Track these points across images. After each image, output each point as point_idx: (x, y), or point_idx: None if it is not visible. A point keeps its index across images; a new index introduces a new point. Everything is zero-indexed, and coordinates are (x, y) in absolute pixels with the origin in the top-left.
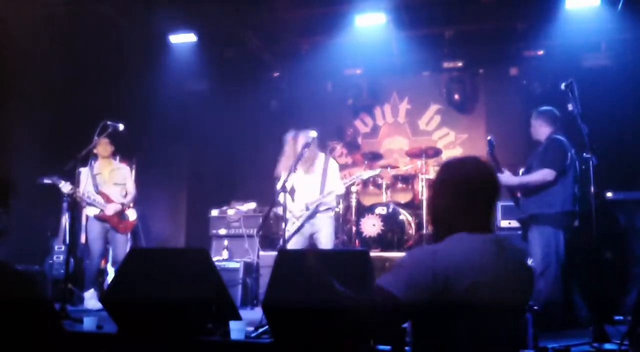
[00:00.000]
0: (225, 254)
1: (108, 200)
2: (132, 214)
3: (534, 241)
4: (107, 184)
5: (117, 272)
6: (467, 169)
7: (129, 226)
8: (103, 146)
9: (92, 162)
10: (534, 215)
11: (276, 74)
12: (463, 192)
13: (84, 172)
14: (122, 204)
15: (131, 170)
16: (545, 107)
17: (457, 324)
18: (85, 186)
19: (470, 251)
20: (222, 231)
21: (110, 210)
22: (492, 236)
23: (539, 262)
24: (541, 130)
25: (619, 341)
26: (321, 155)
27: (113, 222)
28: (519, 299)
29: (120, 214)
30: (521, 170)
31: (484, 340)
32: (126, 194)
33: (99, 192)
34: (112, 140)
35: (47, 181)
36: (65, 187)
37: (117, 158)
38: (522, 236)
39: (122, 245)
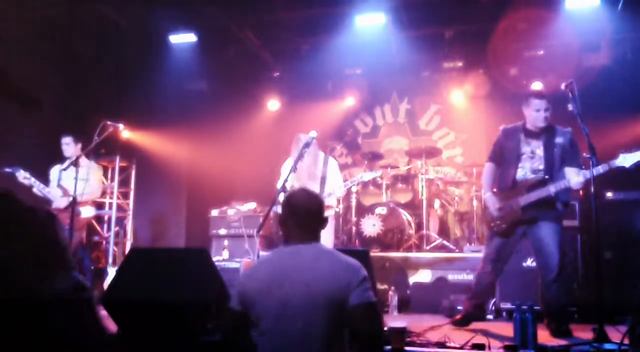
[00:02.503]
0: (225, 254)
1: (65, 194)
2: (85, 212)
3: (550, 240)
4: (69, 178)
5: (117, 272)
6: (288, 196)
7: (77, 222)
8: (64, 147)
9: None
10: (559, 211)
11: (276, 74)
12: (284, 214)
13: (55, 167)
14: (73, 197)
15: (130, 170)
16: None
17: (252, 316)
18: (52, 181)
19: (265, 262)
20: (222, 231)
21: (59, 202)
22: (295, 246)
23: (556, 263)
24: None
25: (619, 341)
26: (321, 155)
27: (61, 216)
28: (303, 295)
29: (72, 209)
30: (526, 165)
31: (280, 336)
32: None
33: (59, 186)
34: (77, 140)
35: (7, 170)
36: (20, 175)
37: (118, 158)
38: (504, 234)
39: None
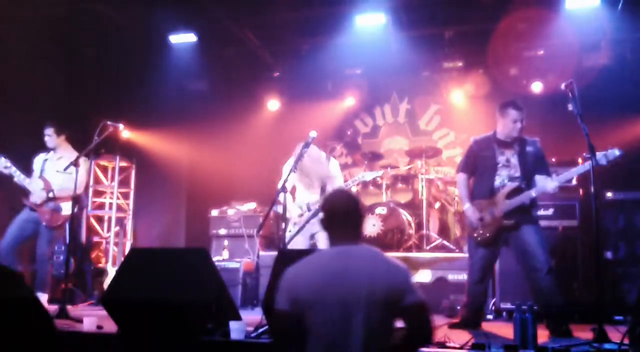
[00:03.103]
0: (225, 254)
1: (47, 186)
2: (67, 208)
3: (534, 240)
4: (51, 170)
5: (117, 272)
6: (326, 199)
7: (56, 219)
8: (47, 139)
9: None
10: (536, 215)
11: (276, 74)
12: (326, 217)
13: (40, 156)
14: (50, 191)
15: (130, 170)
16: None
17: (307, 320)
18: (34, 171)
19: (315, 263)
20: (222, 231)
21: (37, 196)
22: (344, 247)
23: (543, 261)
24: None
25: (619, 341)
26: (322, 155)
27: (40, 212)
28: (364, 295)
29: (50, 205)
30: (503, 173)
31: (329, 331)
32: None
33: (41, 177)
34: (59, 131)
35: None
36: (0, 164)
37: (118, 158)
38: (488, 243)
39: (44, 240)
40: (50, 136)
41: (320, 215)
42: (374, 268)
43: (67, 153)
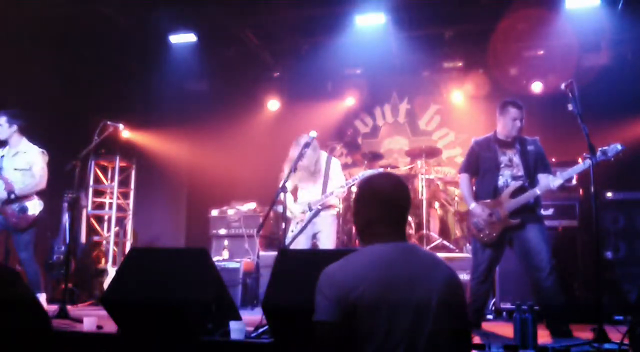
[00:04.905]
0: (225, 254)
1: (8, 187)
2: (33, 207)
3: (538, 239)
4: (9, 168)
5: (117, 272)
6: (379, 184)
7: (24, 222)
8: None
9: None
10: (540, 214)
11: (276, 74)
12: (375, 204)
13: None
14: (11, 193)
15: (130, 170)
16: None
17: (364, 327)
18: None
19: (372, 261)
20: (222, 231)
21: None
22: (403, 244)
23: (546, 261)
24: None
25: (619, 341)
26: (323, 155)
27: (5, 215)
28: (434, 299)
29: (15, 206)
30: (506, 173)
31: (395, 341)
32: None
33: (0, 177)
34: (11, 121)
35: None
36: None
37: (118, 158)
38: (495, 243)
39: (19, 245)
40: (1, 126)
41: (279, 210)
42: (437, 268)
43: (23, 147)
